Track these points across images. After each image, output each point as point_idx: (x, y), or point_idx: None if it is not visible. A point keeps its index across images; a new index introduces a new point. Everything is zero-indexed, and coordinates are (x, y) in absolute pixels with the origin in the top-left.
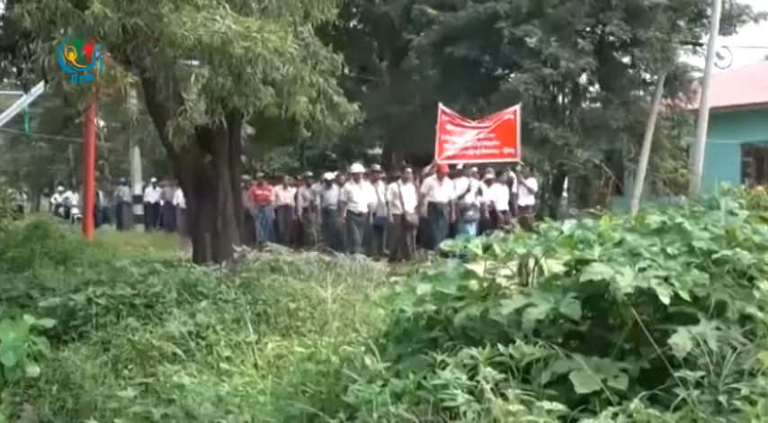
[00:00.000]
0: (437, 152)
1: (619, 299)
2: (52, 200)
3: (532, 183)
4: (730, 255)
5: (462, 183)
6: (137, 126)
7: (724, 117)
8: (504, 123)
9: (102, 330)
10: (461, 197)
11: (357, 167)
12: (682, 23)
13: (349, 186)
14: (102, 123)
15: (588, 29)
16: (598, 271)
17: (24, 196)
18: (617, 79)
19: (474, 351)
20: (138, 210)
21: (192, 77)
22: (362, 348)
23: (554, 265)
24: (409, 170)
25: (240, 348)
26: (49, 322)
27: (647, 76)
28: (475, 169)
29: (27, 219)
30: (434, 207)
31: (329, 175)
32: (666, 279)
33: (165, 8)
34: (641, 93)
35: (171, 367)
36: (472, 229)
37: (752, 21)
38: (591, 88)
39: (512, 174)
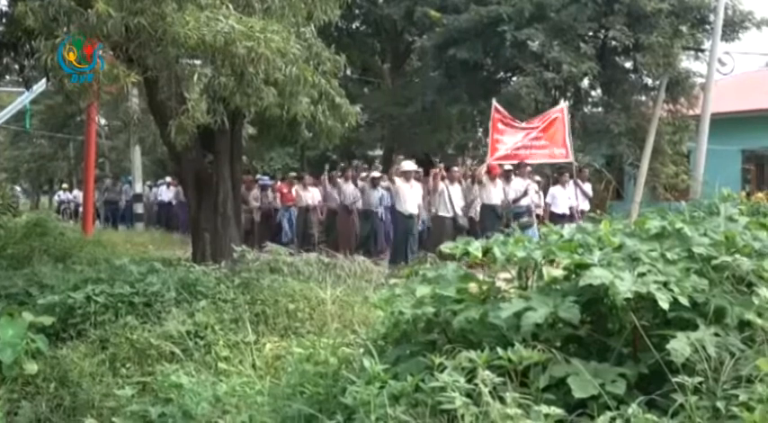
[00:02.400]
0: (489, 152)
1: (618, 304)
2: (55, 197)
3: (588, 187)
4: (730, 261)
5: (518, 184)
6: (138, 125)
7: (725, 123)
8: (552, 123)
9: (100, 328)
10: (517, 201)
11: (408, 165)
12: (684, 29)
13: (399, 185)
14: (103, 121)
15: (591, 33)
16: (597, 275)
17: (19, 190)
18: (619, 84)
19: (472, 354)
20: (139, 208)
21: (195, 77)
22: (361, 350)
23: (553, 270)
24: (456, 169)
25: (238, 348)
26: (47, 320)
27: (649, 82)
28: (529, 169)
29: (25, 216)
30: (489, 209)
31: (376, 174)
32: (666, 284)
33: (168, 7)
34: (643, 98)
35: (169, 366)
36: (532, 234)
37: (754, 27)
38: (593, 93)
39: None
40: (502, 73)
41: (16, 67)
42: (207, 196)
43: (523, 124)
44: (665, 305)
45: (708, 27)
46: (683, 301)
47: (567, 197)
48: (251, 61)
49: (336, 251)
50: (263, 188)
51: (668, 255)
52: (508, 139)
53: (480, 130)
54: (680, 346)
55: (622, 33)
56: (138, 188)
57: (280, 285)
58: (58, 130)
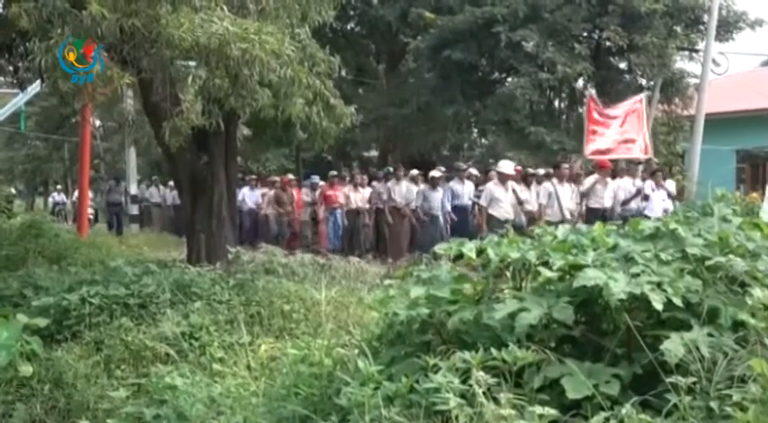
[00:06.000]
0: (585, 144)
1: (612, 304)
2: (50, 199)
3: (671, 185)
4: (723, 261)
5: (626, 184)
6: (133, 126)
7: (719, 123)
8: (631, 114)
9: (95, 330)
10: (626, 203)
11: (506, 166)
12: (678, 29)
13: (492, 187)
14: (98, 123)
15: (585, 34)
16: (591, 276)
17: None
18: (613, 84)
19: (467, 355)
20: (134, 210)
21: (189, 78)
22: (355, 351)
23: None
24: (566, 166)
25: (233, 350)
26: (42, 321)
27: (644, 82)
28: (641, 168)
29: (20, 218)
30: (597, 213)
31: (436, 173)
32: (659, 285)
33: (162, 9)
34: None
35: (163, 368)
36: None
37: (748, 27)
38: (587, 93)
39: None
40: (497, 74)
41: (10, 68)
42: (202, 197)
43: (609, 112)
44: (658, 306)
45: (702, 27)
46: (677, 301)
47: (661, 199)
48: (245, 63)
49: (386, 258)
50: (314, 188)
51: (662, 255)
52: (603, 131)
53: (475, 130)
54: (674, 346)
55: (617, 34)
56: (134, 190)
57: (275, 286)
58: (53, 131)
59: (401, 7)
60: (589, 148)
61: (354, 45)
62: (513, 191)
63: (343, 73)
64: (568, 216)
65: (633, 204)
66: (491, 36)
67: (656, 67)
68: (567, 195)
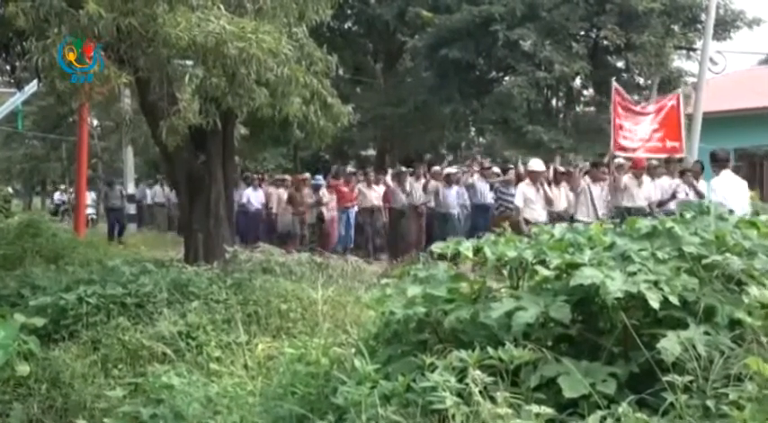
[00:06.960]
0: (612, 141)
1: (608, 303)
2: (54, 197)
3: (703, 186)
4: (720, 260)
5: (664, 184)
6: (130, 125)
7: (717, 122)
8: (668, 112)
9: (92, 329)
10: (663, 204)
11: (537, 164)
12: (676, 28)
13: (525, 187)
14: (95, 122)
15: (582, 33)
16: (588, 275)
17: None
18: (611, 83)
19: (463, 354)
20: (131, 209)
21: (186, 77)
22: (352, 350)
23: (544, 269)
24: (603, 168)
25: (230, 349)
26: (39, 321)
27: (641, 81)
28: (680, 167)
29: (18, 217)
30: (630, 213)
31: (450, 170)
32: (656, 283)
33: (159, 8)
34: (635, 97)
35: (160, 367)
36: None
37: (746, 26)
38: (585, 92)
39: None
40: (494, 72)
41: (7, 67)
42: (199, 197)
43: (639, 108)
44: (655, 304)
45: (699, 26)
46: (674, 300)
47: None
48: (242, 62)
49: (398, 256)
50: (316, 188)
51: (659, 254)
52: (630, 127)
53: (473, 129)
54: (670, 344)
55: (614, 33)
56: (131, 189)
57: (272, 286)
58: (51, 130)
59: (398, 6)
60: (618, 144)
61: (352, 44)
62: (544, 190)
63: (341, 72)
64: (602, 216)
65: (672, 205)
66: (488, 35)
67: (654, 66)
68: (600, 196)
